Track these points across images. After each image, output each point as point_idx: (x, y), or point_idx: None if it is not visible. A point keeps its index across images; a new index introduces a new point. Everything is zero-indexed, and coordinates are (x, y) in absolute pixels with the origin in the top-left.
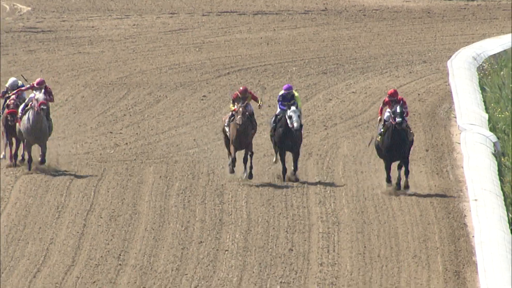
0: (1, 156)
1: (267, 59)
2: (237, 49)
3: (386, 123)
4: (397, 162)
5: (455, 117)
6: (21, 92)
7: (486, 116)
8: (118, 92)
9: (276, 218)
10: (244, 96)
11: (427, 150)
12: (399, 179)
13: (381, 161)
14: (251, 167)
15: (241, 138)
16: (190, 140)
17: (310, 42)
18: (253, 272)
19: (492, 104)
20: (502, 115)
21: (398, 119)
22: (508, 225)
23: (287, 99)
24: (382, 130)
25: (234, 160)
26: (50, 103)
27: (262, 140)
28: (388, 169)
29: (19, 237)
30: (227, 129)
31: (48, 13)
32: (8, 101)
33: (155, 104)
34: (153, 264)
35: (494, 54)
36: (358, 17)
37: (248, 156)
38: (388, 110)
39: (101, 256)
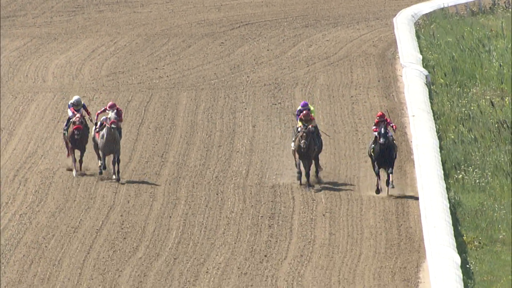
0: (74, 175)
1: (266, 16)
2: (245, 10)
3: (376, 139)
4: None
5: (399, 57)
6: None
7: (421, 56)
8: (161, 40)
9: (274, 128)
10: (307, 119)
11: (378, 81)
12: (387, 180)
13: (349, 92)
14: (318, 172)
15: (304, 154)
16: (212, 74)
17: (297, 4)
18: (257, 167)
19: (425, 48)
20: (432, 56)
21: (382, 140)
22: (436, 133)
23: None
24: (373, 145)
25: (300, 173)
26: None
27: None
28: (377, 174)
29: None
30: (292, 144)
31: None
32: (74, 118)
33: (187, 48)
34: (186, 161)
35: (426, 13)
36: None
37: (308, 172)
38: (377, 130)
39: (149, 155)
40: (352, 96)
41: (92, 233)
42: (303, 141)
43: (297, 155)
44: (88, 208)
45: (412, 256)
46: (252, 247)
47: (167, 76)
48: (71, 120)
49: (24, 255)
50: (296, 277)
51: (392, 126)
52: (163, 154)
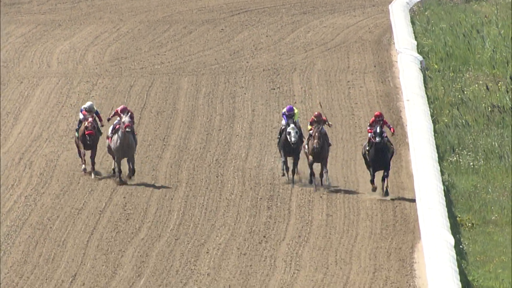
0: (82, 169)
1: (265, 3)
2: None
3: (371, 140)
4: (381, 173)
5: (394, 43)
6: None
7: (415, 42)
8: (163, 26)
9: (272, 112)
10: (319, 120)
11: (374, 66)
12: (382, 188)
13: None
14: (327, 179)
15: (318, 156)
16: (213, 60)
17: None
18: (255, 150)
19: (420, 34)
20: (426, 42)
21: (377, 139)
22: (430, 117)
23: (290, 116)
24: (367, 146)
25: (312, 174)
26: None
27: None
28: (372, 175)
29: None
30: (306, 148)
31: None
32: (86, 123)
33: (188, 34)
34: (187, 145)
35: (421, 0)
36: None
37: (324, 173)
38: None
39: (152, 139)
40: (348, 81)
41: (96, 214)
42: (316, 140)
43: (310, 157)
44: (92, 190)
45: (407, 237)
46: (251, 228)
47: (169, 61)
48: (82, 123)
49: (29, 236)
50: (294, 257)
51: (390, 128)
52: (164, 138)
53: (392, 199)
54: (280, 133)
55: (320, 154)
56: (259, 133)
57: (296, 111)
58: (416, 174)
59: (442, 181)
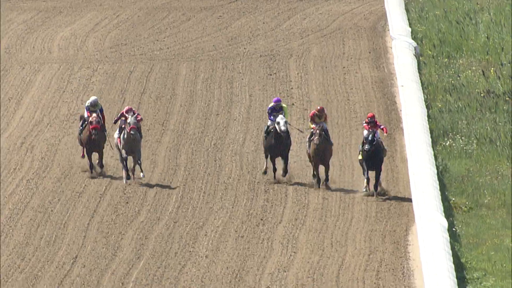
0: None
1: None
2: None
3: (364, 143)
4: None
5: (389, 30)
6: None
7: (410, 29)
8: (162, 13)
9: (269, 97)
10: (321, 115)
11: (369, 52)
12: (375, 184)
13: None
14: (327, 180)
15: (320, 154)
16: (211, 46)
17: None
18: (253, 134)
19: (414, 21)
20: (420, 29)
21: (366, 146)
22: (424, 102)
23: (276, 110)
24: (361, 147)
25: (315, 175)
26: (139, 123)
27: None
28: (365, 174)
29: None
30: (307, 146)
31: None
32: (90, 118)
33: (187, 21)
34: (185, 129)
35: None
36: None
37: (326, 172)
38: (366, 131)
39: (151, 123)
40: (344, 67)
41: (96, 197)
42: (316, 137)
43: (312, 158)
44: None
45: (401, 220)
46: (248, 211)
47: (168, 47)
48: (87, 121)
49: (31, 219)
50: (291, 240)
51: (383, 129)
52: (163, 122)
53: (387, 182)
54: (267, 132)
55: (322, 152)
56: (256, 118)
57: (284, 105)
58: (410, 158)
59: (436, 165)
